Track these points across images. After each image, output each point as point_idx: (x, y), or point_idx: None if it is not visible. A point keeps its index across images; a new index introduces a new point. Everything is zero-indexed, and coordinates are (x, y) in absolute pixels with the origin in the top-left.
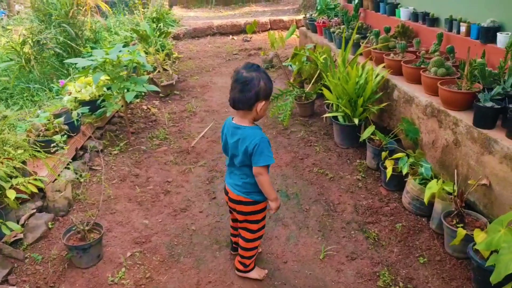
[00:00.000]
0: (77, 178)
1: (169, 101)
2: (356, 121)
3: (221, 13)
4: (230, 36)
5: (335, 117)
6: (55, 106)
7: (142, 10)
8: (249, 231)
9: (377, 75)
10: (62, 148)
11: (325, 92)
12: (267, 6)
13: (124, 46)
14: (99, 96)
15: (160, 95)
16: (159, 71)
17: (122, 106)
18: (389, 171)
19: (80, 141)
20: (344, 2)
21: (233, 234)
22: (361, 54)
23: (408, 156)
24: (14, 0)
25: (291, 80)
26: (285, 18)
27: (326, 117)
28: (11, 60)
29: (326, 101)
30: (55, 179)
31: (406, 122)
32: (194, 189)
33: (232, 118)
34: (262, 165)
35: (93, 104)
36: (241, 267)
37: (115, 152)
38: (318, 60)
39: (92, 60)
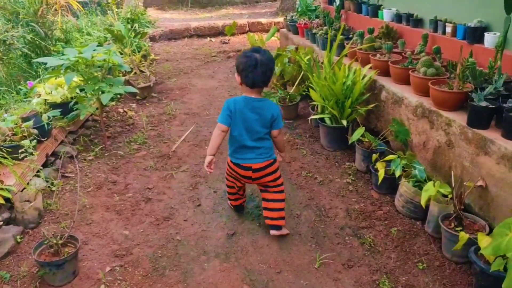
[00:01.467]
0: (49, 187)
1: (147, 104)
2: (344, 122)
3: (198, 15)
4: (208, 38)
5: (322, 119)
6: (23, 109)
7: (116, 10)
8: (278, 186)
9: (364, 76)
10: (31, 154)
11: (312, 93)
12: (244, 8)
13: (98, 46)
14: (72, 98)
15: (137, 97)
16: (135, 73)
17: (97, 109)
18: (381, 174)
19: (51, 146)
20: (324, 4)
21: (241, 196)
22: (345, 55)
23: (400, 158)
24: None
25: (274, 81)
26: (264, 20)
27: (311, 119)
28: None
29: (312, 103)
30: (24, 188)
31: (396, 123)
32: (177, 196)
33: (244, 97)
34: (282, 126)
35: (65, 107)
36: (281, 222)
37: (90, 157)
38: (302, 61)
39: (63, 59)
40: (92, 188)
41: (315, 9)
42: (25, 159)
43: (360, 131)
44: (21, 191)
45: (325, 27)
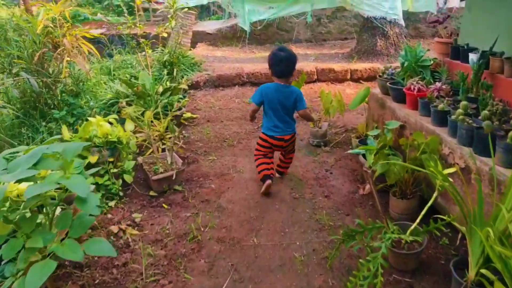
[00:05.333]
0: None
1: (163, 207)
2: None
3: (254, 54)
4: None
5: None
6: None
7: (149, 51)
8: (291, 153)
9: None
10: None
11: (472, 250)
12: (310, 48)
13: (110, 107)
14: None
15: (150, 193)
16: (152, 153)
17: None
18: None
19: None
20: (446, 58)
21: (267, 169)
22: None
23: None
24: None
25: (370, 184)
26: (336, 66)
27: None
28: None
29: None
30: None
31: None
32: None
33: (275, 83)
34: (305, 107)
35: None
36: (287, 170)
37: None
38: (427, 167)
39: None
40: None
41: (430, 63)
42: None
43: None
44: None
45: (463, 103)
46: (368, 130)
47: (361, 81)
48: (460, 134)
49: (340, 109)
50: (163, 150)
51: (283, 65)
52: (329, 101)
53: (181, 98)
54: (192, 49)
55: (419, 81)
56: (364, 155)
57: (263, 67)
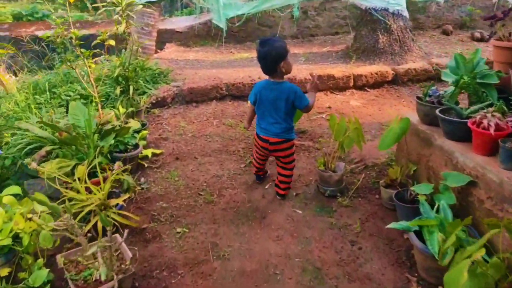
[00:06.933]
0: None
1: None
2: None
3: (233, 54)
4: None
5: None
6: None
7: (92, 63)
8: (288, 164)
9: None
10: None
11: None
12: (297, 46)
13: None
14: None
15: None
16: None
17: None
18: None
19: None
20: None
21: (260, 169)
22: None
23: None
24: None
25: None
26: (335, 72)
27: None
28: None
29: None
30: None
31: None
32: None
33: (267, 79)
34: (305, 104)
35: None
36: (286, 192)
37: None
38: None
39: None
40: None
41: (495, 80)
42: None
43: None
44: None
45: None
46: (401, 174)
47: (366, 88)
48: None
49: (358, 141)
50: (103, 232)
51: (263, 61)
52: (342, 131)
53: (136, 131)
54: (159, 51)
55: (494, 112)
56: (417, 231)
57: (245, 74)
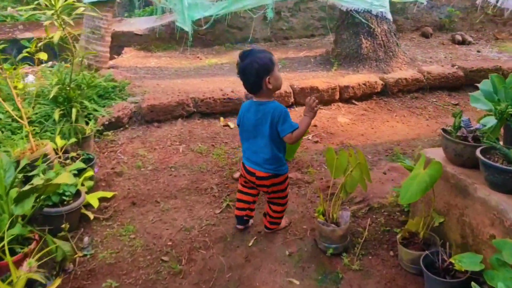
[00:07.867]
0: None
1: None
2: None
3: (200, 60)
4: (221, 119)
5: None
6: None
7: (20, 85)
8: (279, 199)
9: None
10: None
11: None
12: (271, 50)
13: None
14: None
15: None
16: None
17: None
18: None
19: None
20: None
21: (243, 208)
22: None
23: None
24: None
25: None
26: (319, 83)
27: None
28: None
29: None
30: None
31: None
32: None
33: (252, 100)
34: (289, 131)
35: None
36: (274, 226)
37: None
38: None
39: None
40: None
41: None
42: None
43: None
44: None
45: None
46: (424, 226)
47: (353, 101)
48: None
49: (361, 180)
50: None
51: (244, 77)
52: (342, 169)
53: (79, 170)
54: (116, 56)
55: None
56: None
57: (215, 85)
